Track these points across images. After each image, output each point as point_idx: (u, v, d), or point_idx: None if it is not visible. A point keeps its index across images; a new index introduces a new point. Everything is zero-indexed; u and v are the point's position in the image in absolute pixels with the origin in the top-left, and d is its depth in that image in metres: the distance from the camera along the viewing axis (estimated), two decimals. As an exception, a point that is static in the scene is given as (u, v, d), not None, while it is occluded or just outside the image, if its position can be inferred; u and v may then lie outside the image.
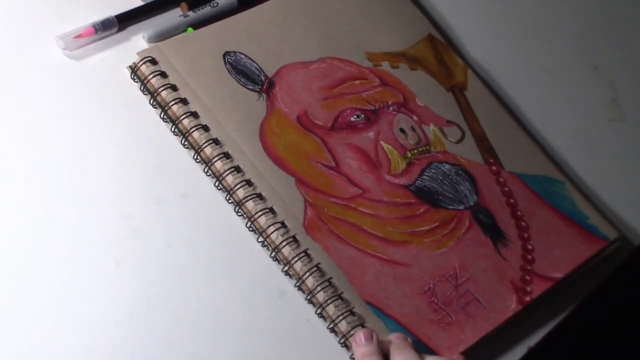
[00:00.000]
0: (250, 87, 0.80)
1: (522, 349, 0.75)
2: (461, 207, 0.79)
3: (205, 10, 0.84)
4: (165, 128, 0.78)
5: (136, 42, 0.82)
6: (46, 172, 0.74)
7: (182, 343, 0.69)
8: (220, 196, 0.76)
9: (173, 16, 0.84)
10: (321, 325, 0.72)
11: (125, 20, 0.82)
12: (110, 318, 0.69)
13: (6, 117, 0.76)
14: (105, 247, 0.72)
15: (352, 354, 0.70)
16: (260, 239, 0.74)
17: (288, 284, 0.73)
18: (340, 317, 0.71)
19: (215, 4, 0.84)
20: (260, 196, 0.74)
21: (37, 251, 0.70)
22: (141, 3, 0.84)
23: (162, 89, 0.77)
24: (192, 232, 0.74)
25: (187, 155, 0.77)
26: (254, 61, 0.81)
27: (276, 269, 0.73)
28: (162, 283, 0.71)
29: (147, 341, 0.69)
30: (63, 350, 0.67)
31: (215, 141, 0.76)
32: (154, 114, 0.78)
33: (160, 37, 0.82)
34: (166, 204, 0.75)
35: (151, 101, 0.78)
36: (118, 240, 0.72)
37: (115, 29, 0.82)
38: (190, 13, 0.84)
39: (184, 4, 0.85)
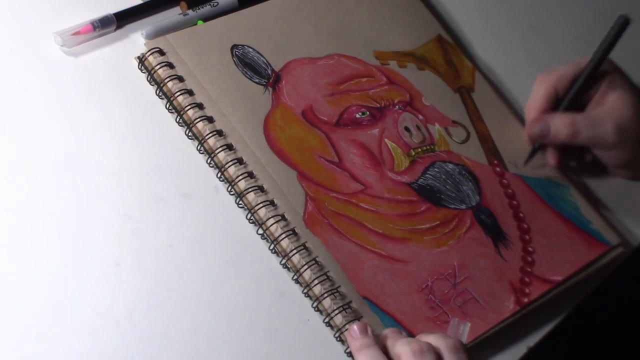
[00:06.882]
0: (257, 80, 0.80)
1: (522, 349, 0.75)
2: (463, 206, 0.79)
3: (205, 9, 0.83)
4: (165, 127, 0.78)
5: (134, 40, 0.81)
6: (45, 170, 0.74)
7: (182, 343, 0.69)
8: (220, 196, 0.76)
9: (172, 15, 0.83)
10: (321, 326, 0.72)
11: (123, 18, 0.82)
12: (110, 318, 0.69)
13: (3, 114, 0.75)
14: (105, 247, 0.71)
15: (347, 348, 0.70)
16: (260, 231, 0.74)
17: (288, 285, 0.73)
18: (336, 311, 0.71)
19: (215, 4, 0.84)
20: (261, 188, 0.75)
21: (37, 250, 0.70)
22: (140, 1, 0.84)
23: (168, 79, 0.78)
24: (192, 232, 0.74)
25: (188, 155, 0.77)
26: (261, 55, 0.81)
27: (277, 269, 0.73)
28: (162, 283, 0.71)
29: (147, 341, 0.69)
30: (63, 350, 0.67)
31: (219, 132, 0.76)
32: (153, 113, 0.78)
33: (159, 34, 0.81)
34: (166, 204, 0.74)
35: (157, 91, 0.78)
36: (118, 240, 0.72)
37: (113, 27, 0.81)
38: (190, 12, 0.83)
39: (183, 3, 0.84)
